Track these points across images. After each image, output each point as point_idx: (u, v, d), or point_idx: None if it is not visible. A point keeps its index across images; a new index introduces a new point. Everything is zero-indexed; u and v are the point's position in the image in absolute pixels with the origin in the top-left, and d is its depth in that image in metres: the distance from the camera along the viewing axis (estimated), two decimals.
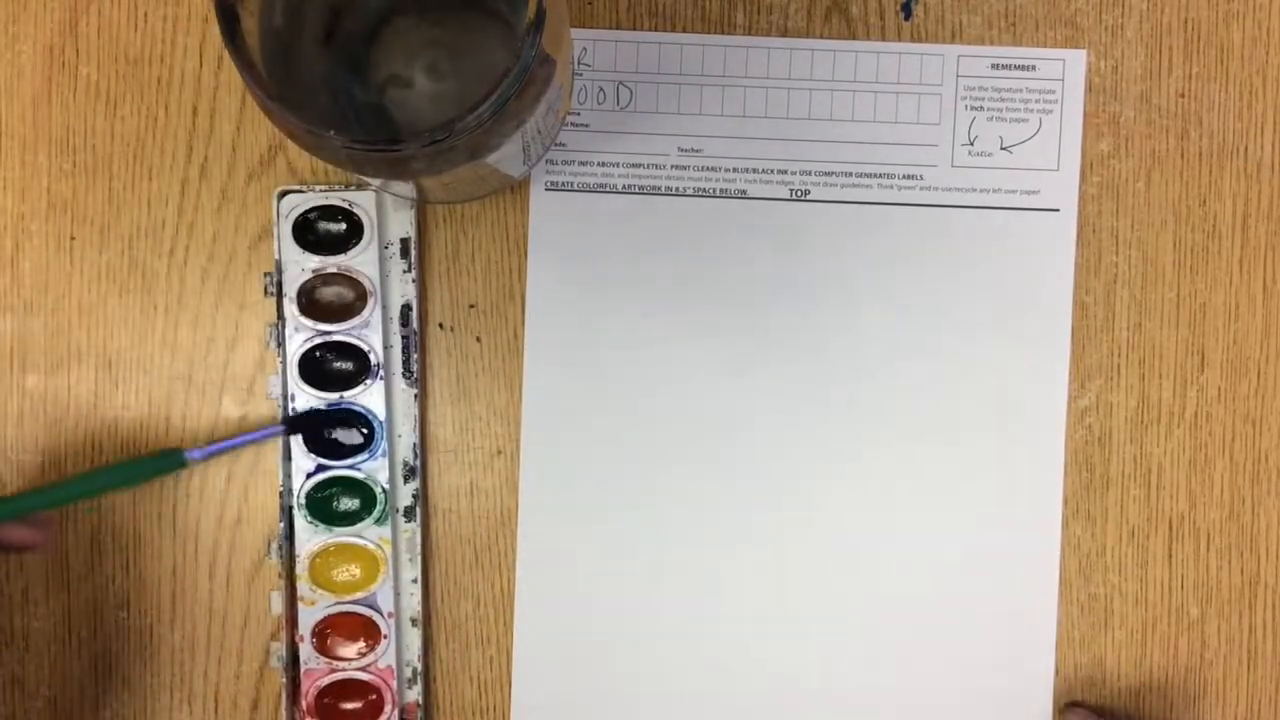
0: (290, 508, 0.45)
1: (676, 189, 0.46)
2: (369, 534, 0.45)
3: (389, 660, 0.45)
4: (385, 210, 0.45)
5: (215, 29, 0.36)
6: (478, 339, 0.46)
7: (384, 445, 0.44)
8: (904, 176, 0.46)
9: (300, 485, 0.44)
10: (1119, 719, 0.46)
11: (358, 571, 0.45)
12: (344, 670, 0.45)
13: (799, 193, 0.46)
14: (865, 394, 0.46)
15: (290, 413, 0.44)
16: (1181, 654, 0.46)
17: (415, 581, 0.45)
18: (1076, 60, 0.46)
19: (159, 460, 0.44)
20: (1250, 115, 0.46)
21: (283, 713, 0.45)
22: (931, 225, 0.46)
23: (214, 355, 0.46)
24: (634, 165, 0.46)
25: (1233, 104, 0.46)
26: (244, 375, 0.46)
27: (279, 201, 0.44)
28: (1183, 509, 0.46)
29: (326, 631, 0.45)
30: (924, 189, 0.46)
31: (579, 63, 0.46)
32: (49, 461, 0.46)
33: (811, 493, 0.46)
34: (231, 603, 0.46)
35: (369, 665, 0.45)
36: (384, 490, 0.44)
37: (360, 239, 0.44)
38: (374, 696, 0.45)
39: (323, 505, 0.45)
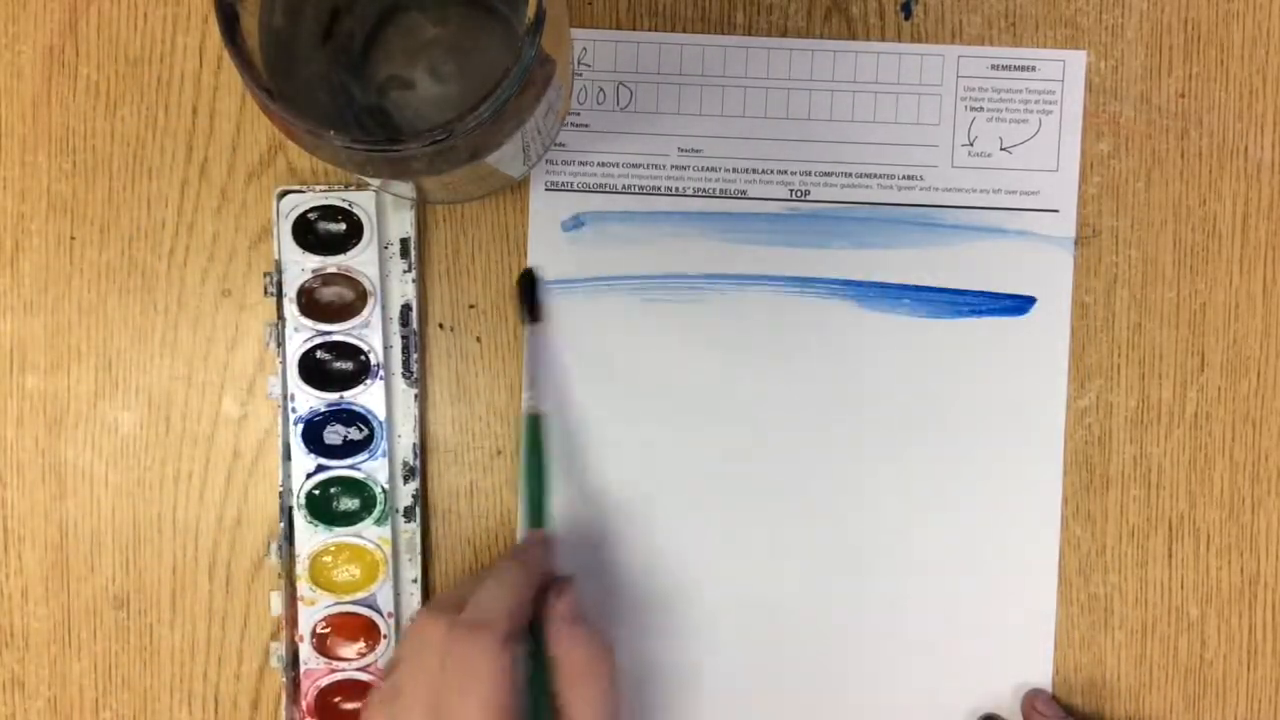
0: (290, 508, 0.45)
1: (676, 189, 0.46)
2: (369, 534, 0.45)
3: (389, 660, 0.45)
4: (385, 210, 0.45)
5: (215, 29, 0.36)
6: (478, 339, 0.46)
7: (384, 445, 0.44)
8: (904, 177, 0.46)
9: (300, 485, 0.44)
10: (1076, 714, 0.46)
11: (357, 571, 0.45)
12: (344, 670, 0.45)
13: (799, 193, 0.46)
14: (863, 395, 0.46)
15: (292, 411, 0.44)
16: (1181, 654, 0.46)
17: (415, 582, 0.45)
18: (1076, 60, 0.46)
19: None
20: (1250, 115, 0.46)
21: (283, 713, 0.45)
22: (931, 226, 0.46)
23: (214, 355, 0.46)
24: (634, 165, 0.46)
25: (1233, 104, 0.46)
26: (244, 375, 0.46)
27: (279, 201, 0.44)
28: (1183, 509, 0.46)
29: (326, 631, 0.45)
30: (924, 189, 0.46)
31: (579, 63, 0.46)
32: (49, 464, 0.46)
33: (810, 492, 0.46)
34: (231, 603, 0.46)
35: (369, 665, 0.45)
36: (384, 490, 0.44)
37: (360, 239, 0.44)
38: None
39: (323, 505, 0.45)
